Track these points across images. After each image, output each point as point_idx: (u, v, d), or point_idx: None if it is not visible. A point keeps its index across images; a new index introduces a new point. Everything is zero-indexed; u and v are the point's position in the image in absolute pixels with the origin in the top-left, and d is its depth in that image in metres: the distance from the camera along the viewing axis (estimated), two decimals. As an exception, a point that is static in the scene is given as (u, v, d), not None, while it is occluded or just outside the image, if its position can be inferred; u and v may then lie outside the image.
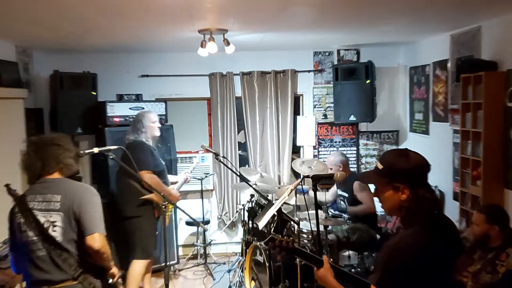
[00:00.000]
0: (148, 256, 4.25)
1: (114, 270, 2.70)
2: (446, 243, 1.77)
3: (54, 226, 2.45)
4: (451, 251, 1.78)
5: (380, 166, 1.86)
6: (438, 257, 1.72)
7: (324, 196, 4.92)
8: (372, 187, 4.59)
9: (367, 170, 5.93)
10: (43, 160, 2.53)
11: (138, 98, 5.82)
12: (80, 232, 2.48)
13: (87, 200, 2.51)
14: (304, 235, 4.28)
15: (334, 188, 5.10)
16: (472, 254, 3.24)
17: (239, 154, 6.04)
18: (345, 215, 4.72)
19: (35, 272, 2.47)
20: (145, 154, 4.08)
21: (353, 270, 4.29)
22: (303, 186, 4.62)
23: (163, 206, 3.54)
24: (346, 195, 4.74)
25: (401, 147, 6.01)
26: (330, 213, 4.79)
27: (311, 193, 4.07)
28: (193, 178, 5.58)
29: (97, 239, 2.46)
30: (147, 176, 3.93)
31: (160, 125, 4.37)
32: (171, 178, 4.60)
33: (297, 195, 4.39)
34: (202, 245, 5.60)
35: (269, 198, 4.77)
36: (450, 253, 1.78)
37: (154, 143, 4.30)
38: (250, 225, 4.70)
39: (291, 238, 2.11)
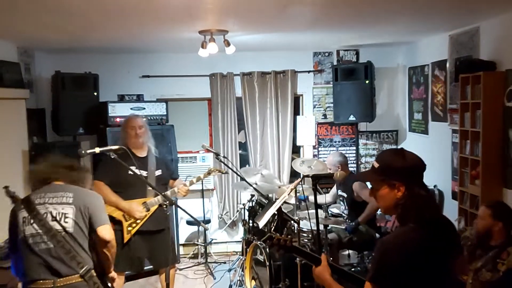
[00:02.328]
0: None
1: (113, 274, 2.75)
2: (443, 241, 1.77)
3: (66, 217, 2.56)
4: (448, 249, 1.79)
5: (376, 165, 1.88)
6: (435, 255, 1.72)
7: (324, 198, 4.92)
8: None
9: (365, 170, 5.95)
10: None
11: (139, 98, 5.84)
12: (91, 227, 2.62)
13: (97, 199, 2.73)
14: (304, 234, 4.30)
15: (334, 189, 5.12)
16: (474, 251, 3.24)
17: (240, 154, 6.06)
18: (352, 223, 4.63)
19: (38, 267, 2.48)
20: (100, 163, 3.99)
21: (353, 269, 4.31)
22: (303, 193, 4.46)
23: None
24: (345, 195, 4.76)
25: (400, 147, 6.02)
26: (330, 213, 4.81)
27: (311, 198, 4.04)
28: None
29: (108, 230, 2.64)
30: (95, 187, 3.70)
31: (139, 131, 3.97)
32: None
33: (297, 196, 4.41)
34: (203, 244, 5.62)
35: (269, 197, 4.79)
36: (447, 251, 1.78)
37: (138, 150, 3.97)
38: (251, 224, 4.72)
39: (289, 236, 2.13)
